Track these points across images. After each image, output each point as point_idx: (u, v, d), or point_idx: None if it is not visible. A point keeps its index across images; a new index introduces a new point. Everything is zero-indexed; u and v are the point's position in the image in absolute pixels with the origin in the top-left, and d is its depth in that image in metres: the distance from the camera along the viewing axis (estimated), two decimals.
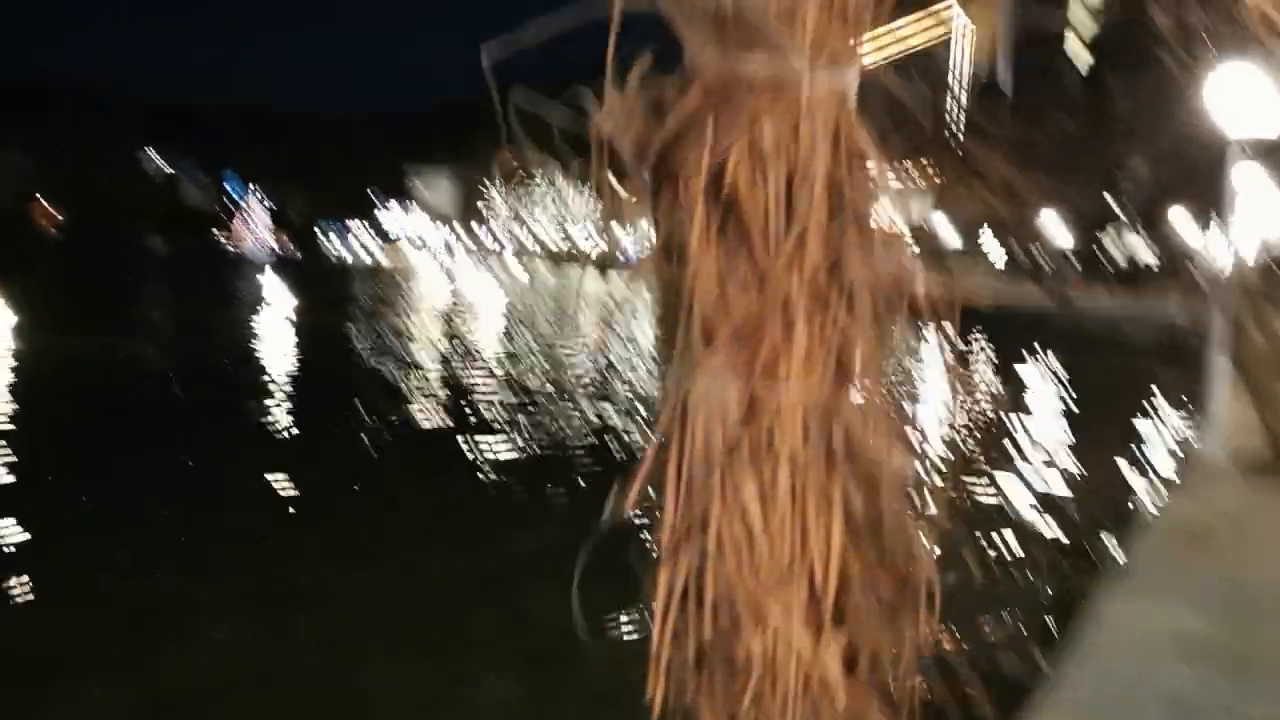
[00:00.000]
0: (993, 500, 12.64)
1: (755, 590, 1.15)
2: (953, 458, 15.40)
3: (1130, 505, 11.79)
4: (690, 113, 1.17)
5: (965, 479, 14.17)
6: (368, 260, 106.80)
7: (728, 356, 1.15)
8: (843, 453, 1.17)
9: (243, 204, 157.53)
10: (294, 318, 34.09)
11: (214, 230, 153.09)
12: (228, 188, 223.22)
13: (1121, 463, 14.65)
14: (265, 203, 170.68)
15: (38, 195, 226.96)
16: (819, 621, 1.16)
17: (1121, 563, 7.79)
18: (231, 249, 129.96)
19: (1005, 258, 58.06)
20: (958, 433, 17.55)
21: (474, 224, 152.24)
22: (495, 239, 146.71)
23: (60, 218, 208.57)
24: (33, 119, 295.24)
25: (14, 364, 21.15)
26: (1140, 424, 18.56)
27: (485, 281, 70.30)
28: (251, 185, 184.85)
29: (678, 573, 1.17)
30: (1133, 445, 16.10)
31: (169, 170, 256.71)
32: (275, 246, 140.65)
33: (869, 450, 1.18)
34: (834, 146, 1.16)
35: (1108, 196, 51.57)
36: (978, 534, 11.04)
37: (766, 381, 1.14)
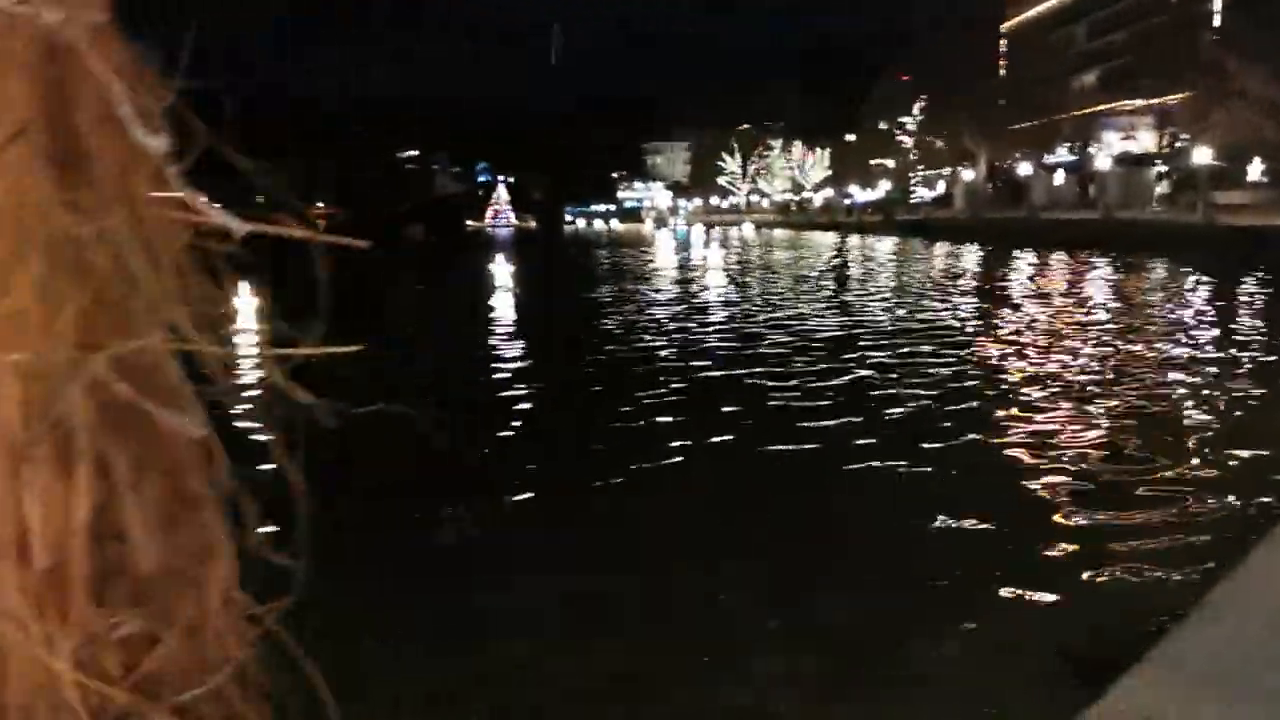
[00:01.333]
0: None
1: None
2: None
3: None
4: None
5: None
6: (607, 235, 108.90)
7: None
8: (100, 421, 1.03)
9: (494, 192, 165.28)
10: (517, 291, 34.72)
11: (466, 218, 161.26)
12: (481, 179, 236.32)
13: None
14: (511, 189, 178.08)
15: (313, 197, 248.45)
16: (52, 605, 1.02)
17: None
18: (486, 231, 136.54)
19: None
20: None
21: (710, 195, 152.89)
22: (730, 208, 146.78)
23: (334, 214, 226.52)
24: (307, 130, 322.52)
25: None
26: None
27: (713, 247, 69.73)
28: (500, 176, 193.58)
29: None
30: None
31: (433, 165, 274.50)
32: (520, 227, 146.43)
33: (143, 417, 1.03)
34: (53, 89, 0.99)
35: None
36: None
37: None
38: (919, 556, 7.32)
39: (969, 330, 21.67)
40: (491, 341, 21.54)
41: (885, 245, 66.97)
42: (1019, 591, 6.57)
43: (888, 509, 8.64)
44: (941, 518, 8.08)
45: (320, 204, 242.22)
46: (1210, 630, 4.07)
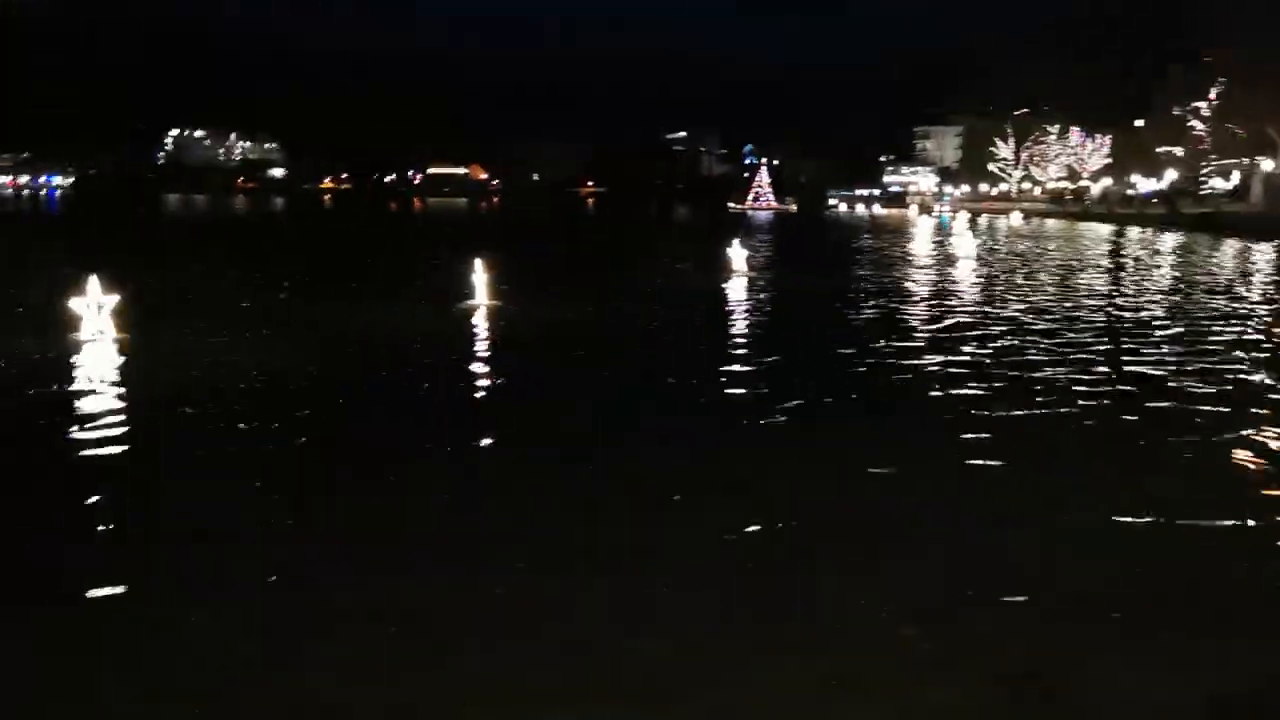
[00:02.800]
0: None
1: None
2: None
3: None
4: None
5: None
6: (869, 218, 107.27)
7: None
8: None
9: (756, 174, 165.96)
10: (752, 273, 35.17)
11: (727, 200, 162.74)
12: (748, 161, 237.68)
13: None
14: (775, 171, 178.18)
15: (584, 176, 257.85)
16: None
17: None
18: (745, 212, 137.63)
19: None
20: None
21: (981, 181, 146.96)
22: (1000, 195, 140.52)
23: (602, 191, 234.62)
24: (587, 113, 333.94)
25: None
26: None
27: (972, 236, 67.43)
28: (761, 158, 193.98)
29: None
30: None
31: (700, 149, 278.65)
32: (780, 209, 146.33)
33: None
34: None
35: None
36: None
37: None
38: None
39: None
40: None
41: (1167, 240, 62.69)
42: None
43: None
44: None
45: (590, 182, 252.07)
46: None
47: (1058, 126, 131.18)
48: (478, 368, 16.50)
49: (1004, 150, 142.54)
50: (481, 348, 18.76)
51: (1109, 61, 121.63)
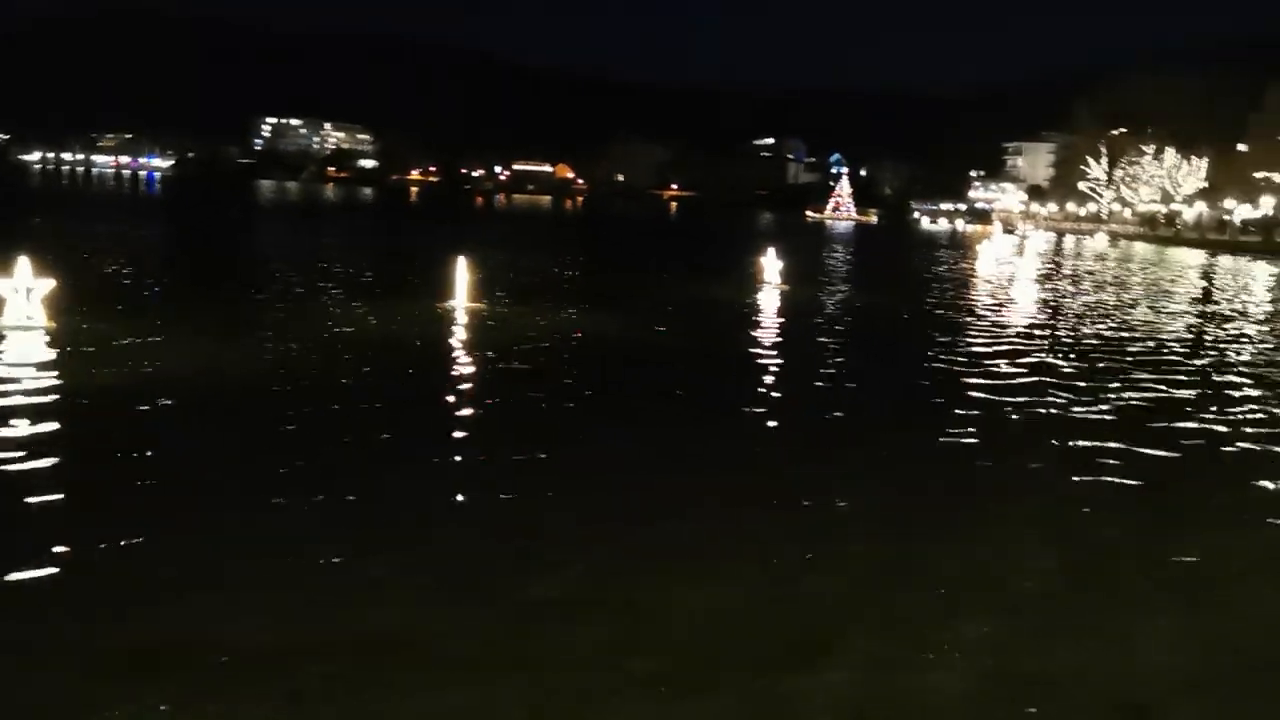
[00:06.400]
0: None
1: None
2: None
3: None
4: None
5: None
6: (946, 234, 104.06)
7: None
8: None
9: (838, 184, 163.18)
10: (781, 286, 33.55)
11: (807, 209, 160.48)
12: (834, 170, 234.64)
13: None
14: (861, 181, 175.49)
15: (669, 180, 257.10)
16: None
17: None
18: (823, 222, 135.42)
19: None
20: None
21: (1070, 200, 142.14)
22: (1088, 216, 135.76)
23: (686, 195, 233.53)
24: (671, 118, 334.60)
25: None
26: None
27: (1041, 257, 64.54)
28: (846, 168, 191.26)
29: None
30: None
31: (787, 156, 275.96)
32: (861, 221, 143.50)
33: None
34: None
35: None
36: None
37: None
38: None
39: None
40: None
41: (1261, 270, 59.21)
42: None
43: None
44: None
45: (674, 185, 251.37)
46: None
47: (1153, 147, 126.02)
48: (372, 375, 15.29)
49: (1096, 169, 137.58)
50: (414, 353, 17.53)
51: (1210, 81, 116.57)
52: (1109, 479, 11.15)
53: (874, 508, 9.74)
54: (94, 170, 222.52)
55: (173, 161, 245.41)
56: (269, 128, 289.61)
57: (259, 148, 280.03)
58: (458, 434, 12.02)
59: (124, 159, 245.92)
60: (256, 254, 40.39)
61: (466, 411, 13.29)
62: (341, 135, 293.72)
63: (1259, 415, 15.34)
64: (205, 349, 16.49)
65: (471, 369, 16.35)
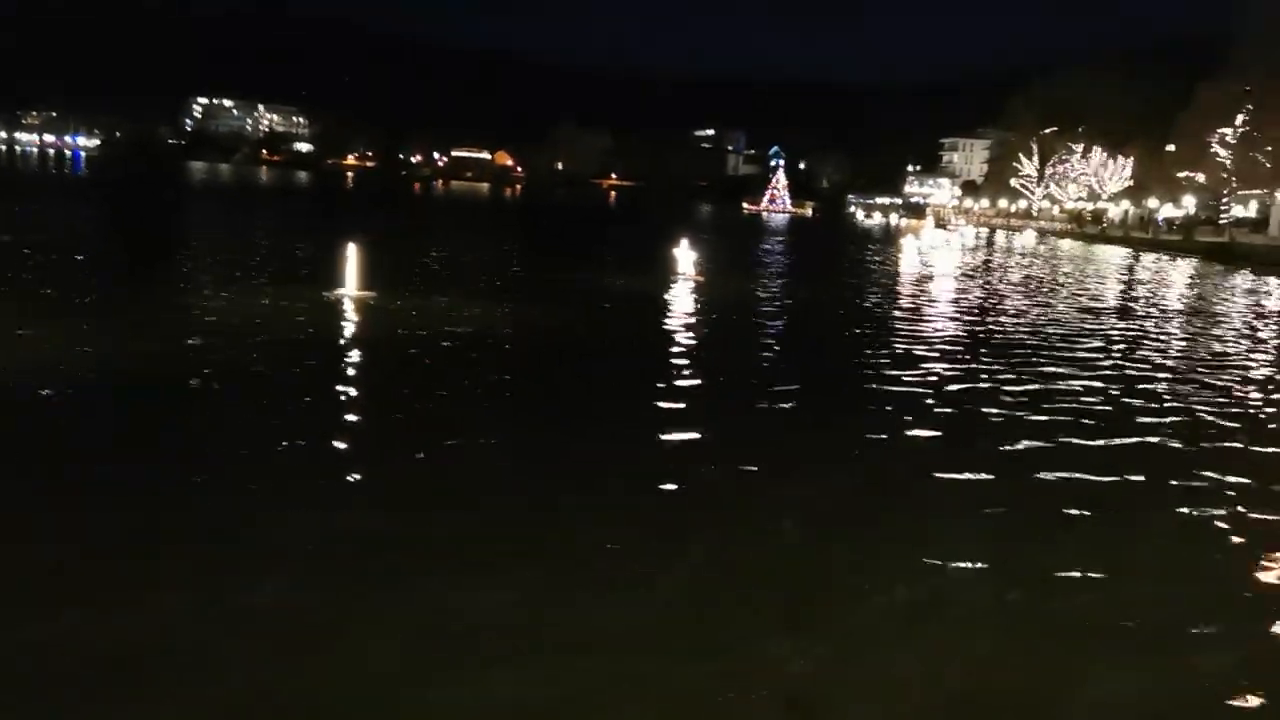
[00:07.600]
0: None
1: None
2: None
3: None
4: None
5: None
6: (881, 228, 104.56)
7: None
8: None
9: (775, 176, 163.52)
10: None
11: (743, 200, 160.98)
12: (773, 163, 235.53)
13: None
14: (799, 174, 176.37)
15: (610, 169, 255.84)
16: None
17: None
18: (759, 214, 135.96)
19: None
20: None
21: (1003, 196, 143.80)
22: (1019, 212, 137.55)
23: (627, 185, 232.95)
24: (612, 104, 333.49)
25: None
26: None
27: (959, 250, 65.08)
28: (784, 160, 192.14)
29: None
30: None
31: (727, 148, 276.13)
32: (796, 213, 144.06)
33: None
34: None
35: None
36: None
37: None
38: None
39: None
40: None
41: (1181, 268, 60.58)
42: None
43: None
44: None
45: (614, 175, 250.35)
46: None
47: (1081, 145, 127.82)
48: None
49: (1028, 167, 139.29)
50: (278, 344, 16.68)
51: (1143, 80, 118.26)
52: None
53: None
54: (17, 149, 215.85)
55: (99, 141, 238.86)
56: (200, 108, 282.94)
57: (190, 128, 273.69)
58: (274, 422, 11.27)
59: (49, 138, 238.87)
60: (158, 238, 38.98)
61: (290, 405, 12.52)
62: (276, 117, 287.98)
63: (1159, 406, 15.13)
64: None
65: (330, 361, 15.56)
